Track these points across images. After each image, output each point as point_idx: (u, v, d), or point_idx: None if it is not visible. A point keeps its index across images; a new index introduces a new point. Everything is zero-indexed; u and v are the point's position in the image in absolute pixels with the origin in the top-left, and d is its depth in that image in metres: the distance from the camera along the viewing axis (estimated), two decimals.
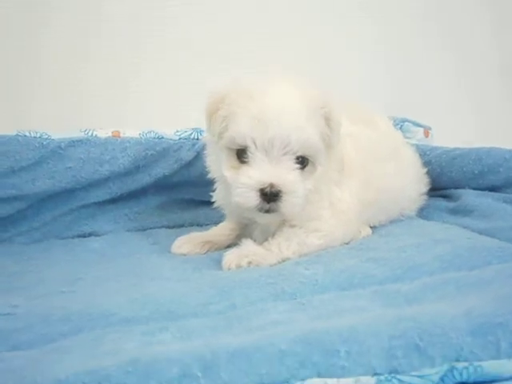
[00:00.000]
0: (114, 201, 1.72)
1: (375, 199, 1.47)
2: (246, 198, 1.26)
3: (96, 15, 1.95)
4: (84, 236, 1.68)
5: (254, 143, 1.26)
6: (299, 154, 1.28)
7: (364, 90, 2.15)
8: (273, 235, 1.37)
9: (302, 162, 1.29)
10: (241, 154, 1.29)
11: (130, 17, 1.98)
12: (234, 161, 1.31)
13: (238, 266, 1.29)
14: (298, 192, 1.27)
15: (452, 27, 2.26)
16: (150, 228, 1.73)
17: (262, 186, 1.24)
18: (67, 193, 1.66)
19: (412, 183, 1.64)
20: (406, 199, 1.61)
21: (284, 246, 1.34)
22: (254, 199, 1.25)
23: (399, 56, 2.23)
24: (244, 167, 1.28)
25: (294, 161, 1.28)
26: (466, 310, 0.87)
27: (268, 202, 1.25)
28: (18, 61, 1.93)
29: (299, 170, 1.28)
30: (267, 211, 1.27)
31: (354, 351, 0.80)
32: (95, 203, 1.70)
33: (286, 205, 1.26)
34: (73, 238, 1.67)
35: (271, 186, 1.24)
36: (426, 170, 1.71)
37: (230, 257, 1.31)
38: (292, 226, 1.37)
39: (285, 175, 1.26)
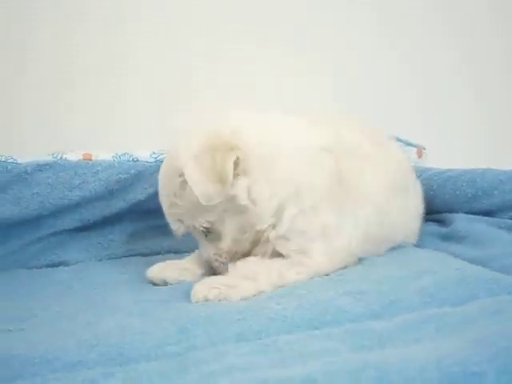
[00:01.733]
0: (86, 228, 1.64)
1: (381, 234, 1.37)
2: None
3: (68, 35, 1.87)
4: (53, 266, 1.59)
5: None
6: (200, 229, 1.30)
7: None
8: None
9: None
10: None
11: (100, 36, 1.90)
12: None
13: (206, 299, 1.19)
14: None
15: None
16: (125, 256, 1.65)
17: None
18: (35, 220, 1.58)
19: (414, 217, 1.52)
20: (407, 234, 1.49)
21: (263, 278, 1.24)
22: None
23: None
24: None
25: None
26: (439, 356, 0.77)
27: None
28: None
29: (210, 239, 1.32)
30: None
31: None
32: (66, 231, 1.62)
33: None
34: (40, 267, 1.58)
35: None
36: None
37: (199, 288, 1.21)
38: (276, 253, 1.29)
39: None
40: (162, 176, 1.33)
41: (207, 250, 1.33)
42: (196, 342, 0.98)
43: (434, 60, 2.21)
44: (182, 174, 1.24)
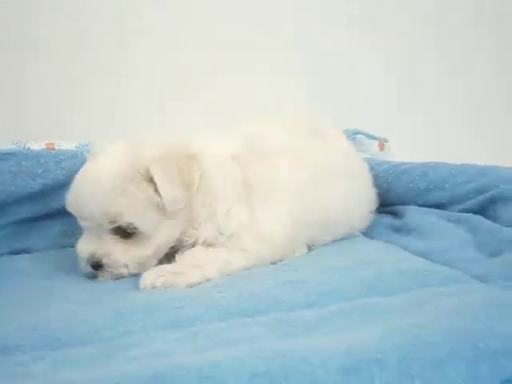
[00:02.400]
0: (49, 216, 1.65)
1: (320, 219, 1.41)
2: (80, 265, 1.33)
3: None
4: (16, 253, 1.61)
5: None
6: (115, 225, 1.28)
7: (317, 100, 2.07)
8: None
9: (125, 231, 1.29)
10: None
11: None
12: None
13: (153, 286, 1.22)
14: (118, 262, 1.29)
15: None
16: None
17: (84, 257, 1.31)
18: None
19: (363, 202, 1.57)
20: (355, 219, 1.55)
21: (209, 265, 1.27)
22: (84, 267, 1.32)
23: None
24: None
25: (110, 232, 1.29)
26: (350, 345, 0.80)
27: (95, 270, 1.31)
28: None
29: (123, 240, 1.29)
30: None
31: None
32: (29, 218, 1.64)
33: (110, 273, 1.30)
34: (2, 255, 1.60)
35: (91, 257, 1.30)
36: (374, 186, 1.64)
37: (147, 276, 1.24)
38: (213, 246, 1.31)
39: (104, 247, 1.30)
40: (106, 164, 1.30)
41: (107, 249, 1.30)
42: (131, 328, 1.01)
43: (399, 47, 2.22)
44: (142, 173, 1.27)
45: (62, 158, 1.62)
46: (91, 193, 1.27)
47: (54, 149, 1.63)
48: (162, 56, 2.01)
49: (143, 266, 1.30)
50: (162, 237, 1.31)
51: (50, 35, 1.88)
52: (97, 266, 1.30)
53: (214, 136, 1.42)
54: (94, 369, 0.84)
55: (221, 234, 1.33)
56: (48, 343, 0.97)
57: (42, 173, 1.59)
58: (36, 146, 1.63)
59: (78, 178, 1.32)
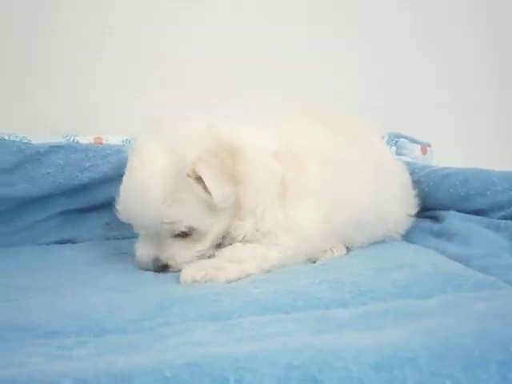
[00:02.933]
0: (95, 208, 1.70)
1: (348, 218, 1.42)
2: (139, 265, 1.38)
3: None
4: (61, 243, 1.66)
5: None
6: (175, 233, 1.32)
7: (363, 102, 2.07)
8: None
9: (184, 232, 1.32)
10: None
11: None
12: None
13: (194, 280, 1.25)
14: (181, 260, 1.33)
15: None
16: (132, 237, 1.70)
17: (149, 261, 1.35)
18: (47, 198, 1.65)
19: (398, 203, 1.57)
20: (390, 220, 1.55)
21: (248, 261, 1.31)
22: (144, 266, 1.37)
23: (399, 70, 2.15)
24: None
25: (170, 236, 1.33)
26: (381, 342, 0.82)
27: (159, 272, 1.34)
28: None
29: (182, 239, 1.33)
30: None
31: (245, 380, 0.75)
32: (76, 210, 1.69)
33: (172, 270, 1.34)
34: (49, 244, 1.65)
35: (156, 261, 1.35)
36: (415, 190, 1.64)
37: (188, 270, 1.28)
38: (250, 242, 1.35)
39: (166, 250, 1.34)
40: (153, 173, 1.29)
41: (170, 251, 1.35)
42: (171, 318, 1.04)
43: (449, 54, 2.19)
44: (189, 174, 1.28)
45: (108, 152, 1.66)
46: (144, 205, 1.29)
47: (101, 143, 1.68)
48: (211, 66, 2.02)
49: (202, 258, 1.34)
50: (216, 230, 1.35)
51: (112, 38, 1.92)
52: (162, 268, 1.35)
53: (254, 131, 1.43)
54: (134, 355, 0.87)
55: (257, 230, 1.35)
56: (91, 330, 1.01)
57: (90, 166, 1.64)
58: (84, 139, 1.68)
59: (127, 186, 1.34)
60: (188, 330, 0.98)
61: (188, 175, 1.28)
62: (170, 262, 1.34)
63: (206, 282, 1.25)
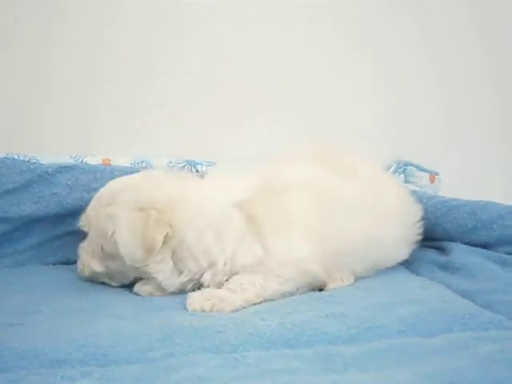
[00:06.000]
0: None
1: (343, 249, 1.43)
2: None
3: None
4: (69, 263, 1.66)
5: None
6: None
7: (372, 131, 2.06)
8: None
9: None
10: None
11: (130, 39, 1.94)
12: None
13: (202, 310, 1.26)
14: None
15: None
16: None
17: None
18: (54, 218, 1.65)
19: (397, 233, 1.56)
20: (389, 248, 1.55)
21: (249, 289, 1.32)
22: None
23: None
24: None
25: None
26: None
27: None
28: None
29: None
30: None
31: None
32: (83, 231, 1.69)
33: None
34: (56, 264, 1.66)
35: None
36: (420, 218, 1.63)
37: (195, 299, 1.28)
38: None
39: None
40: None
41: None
42: (175, 349, 1.04)
43: (459, 80, 2.15)
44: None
45: (116, 173, 1.66)
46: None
47: (109, 164, 1.69)
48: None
49: None
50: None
51: (119, 60, 1.92)
52: None
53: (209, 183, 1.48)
54: None
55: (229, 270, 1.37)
56: (95, 359, 1.01)
57: (98, 187, 1.64)
58: (93, 160, 1.68)
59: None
60: (191, 363, 0.98)
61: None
62: None
63: (212, 311, 1.26)
